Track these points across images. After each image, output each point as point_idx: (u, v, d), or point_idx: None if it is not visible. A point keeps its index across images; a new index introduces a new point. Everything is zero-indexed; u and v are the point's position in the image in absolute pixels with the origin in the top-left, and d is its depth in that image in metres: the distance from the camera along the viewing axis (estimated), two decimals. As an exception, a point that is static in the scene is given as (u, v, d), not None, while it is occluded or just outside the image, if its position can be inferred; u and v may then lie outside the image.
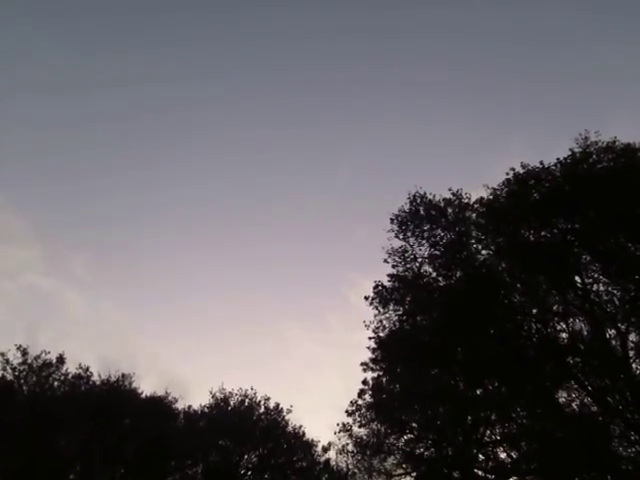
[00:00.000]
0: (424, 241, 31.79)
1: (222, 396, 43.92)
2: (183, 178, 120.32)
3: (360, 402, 38.19)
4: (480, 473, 32.66)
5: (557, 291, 29.41)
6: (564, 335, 29.50)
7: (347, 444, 37.57)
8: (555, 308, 29.85)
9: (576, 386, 28.93)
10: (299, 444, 41.64)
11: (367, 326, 34.19)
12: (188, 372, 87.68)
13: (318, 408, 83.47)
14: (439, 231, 31.51)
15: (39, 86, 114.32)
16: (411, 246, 32.08)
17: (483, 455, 32.72)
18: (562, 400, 29.85)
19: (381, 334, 34.31)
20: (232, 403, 43.24)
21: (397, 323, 33.83)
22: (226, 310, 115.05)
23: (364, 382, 39.31)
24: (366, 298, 33.52)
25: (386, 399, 36.38)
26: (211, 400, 44.31)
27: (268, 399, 42.93)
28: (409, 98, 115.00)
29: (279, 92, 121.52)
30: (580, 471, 26.12)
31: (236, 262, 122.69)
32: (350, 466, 38.50)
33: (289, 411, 42.80)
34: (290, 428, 42.50)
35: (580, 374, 28.02)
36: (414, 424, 36.17)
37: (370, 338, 34.98)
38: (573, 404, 29.47)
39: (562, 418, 27.02)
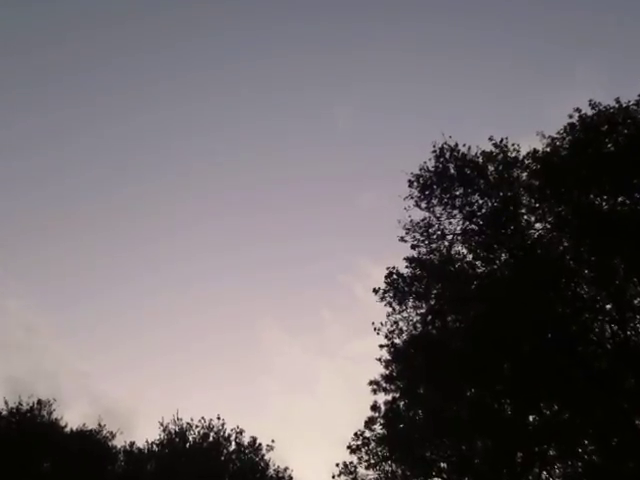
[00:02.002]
0: (456, 211, 31.72)
1: (177, 429, 43.98)
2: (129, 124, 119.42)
3: (368, 434, 38.55)
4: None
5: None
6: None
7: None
8: (636, 302, 30.01)
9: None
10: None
11: (377, 330, 34.35)
12: (130, 397, 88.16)
13: (311, 442, 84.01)
14: (476, 197, 31.43)
15: None
16: (438, 218, 32.02)
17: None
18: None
19: (397, 340, 34.51)
20: (191, 438, 43.33)
21: (419, 325, 34.00)
22: (181, 308, 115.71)
23: (374, 407, 39.73)
24: (375, 291, 33.57)
25: (404, 430, 36.83)
26: (162, 435, 44.39)
27: (241, 432, 43.09)
28: (431, 16, 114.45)
29: (259, 17, 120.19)
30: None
31: (195, 240, 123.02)
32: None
33: (270, 448, 43.01)
34: (272, 471, 42.73)
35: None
36: (443, 464, 36.46)
37: (382, 346, 35.23)
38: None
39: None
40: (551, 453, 33.01)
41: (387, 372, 38.97)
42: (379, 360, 36.84)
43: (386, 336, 34.26)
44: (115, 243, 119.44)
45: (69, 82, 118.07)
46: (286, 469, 43.05)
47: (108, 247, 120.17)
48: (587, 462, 30.51)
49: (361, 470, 37.95)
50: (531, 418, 34.11)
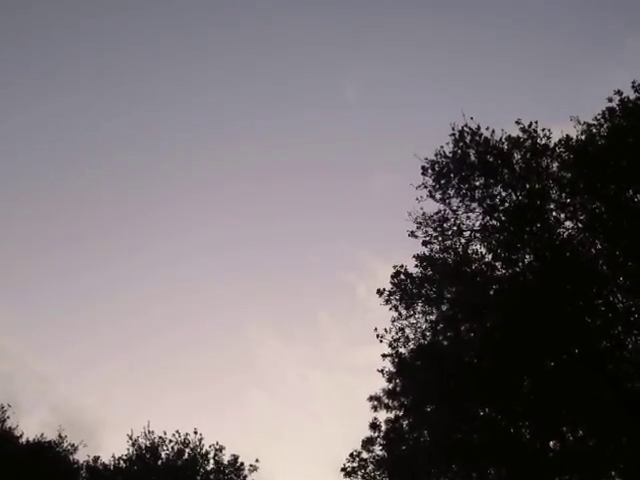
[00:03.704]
0: (475, 204, 31.35)
1: (148, 443, 43.68)
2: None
3: (365, 456, 38.32)
4: None
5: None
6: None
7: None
8: None
9: None
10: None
11: (381, 337, 34.04)
12: (96, 406, 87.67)
13: (302, 463, 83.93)
14: (499, 189, 31.10)
15: None
16: (454, 211, 31.65)
17: None
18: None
19: (402, 350, 34.14)
20: (164, 454, 43.08)
21: (428, 334, 33.68)
22: (158, 306, 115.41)
23: (373, 426, 39.60)
24: (380, 293, 33.26)
25: (407, 453, 36.55)
26: (131, 449, 44.06)
27: (221, 449, 42.80)
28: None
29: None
30: None
31: (177, 232, 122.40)
32: None
33: (254, 468, 42.69)
34: (255, 504, 42.70)
35: None
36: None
37: (385, 356, 34.78)
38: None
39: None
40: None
41: (390, 387, 38.90)
42: (381, 372, 36.55)
43: (390, 344, 33.92)
44: (85, 226, 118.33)
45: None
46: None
47: (75, 231, 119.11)
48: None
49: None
50: (552, 444, 33.78)
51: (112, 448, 55.75)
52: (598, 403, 29.12)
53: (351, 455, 38.28)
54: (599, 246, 30.70)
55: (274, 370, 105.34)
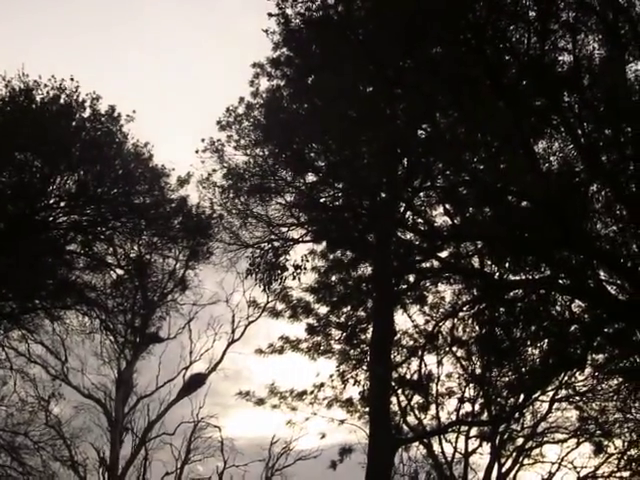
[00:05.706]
0: None
1: (22, 86, 42.13)
2: None
3: (241, 111, 38.82)
4: (405, 237, 35.56)
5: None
6: (566, 58, 29.43)
7: (214, 172, 38.94)
8: (565, 16, 29.83)
9: (563, 134, 30.38)
10: (142, 171, 42.34)
11: None
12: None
13: (182, 124, 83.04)
14: None
15: None
16: None
17: (414, 215, 35.25)
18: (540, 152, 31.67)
19: (290, 11, 33.36)
20: (38, 99, 41.91)
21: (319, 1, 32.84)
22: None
23: (254, 94, 39.51)
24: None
25: (284, 122, 36.69)
26: (4, 91, 42.77)
27: (97, 99, 41.90)
28: None
29: None
30: (542, 247, 29.05)
31: None
32: (216, 206, 40.31)
33: (130, 118, 42.37)
34: (130, 145, 42.57)
35: (574, 119, 29.13)
36: (321, 162, 37.54)
37: (271, 15, 33.79)
38: (552, 158, 31.30)
39: (535, 174, 28.82)
40: (439, 165, 34.59)
41: (274, 55, 38.64)
42: (266, 32, 36.01)
43: (277, 4, 32.81)
44: None
45: None
46: (146, 144, 42.75)
47: None
48: (473, 175, 31.56)
49: (229, 150, 38.51)
50: (423, 132, 34.63)
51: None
52: (474, 89, 29.39)
53: (227, 110, 38.69)
54: None
55: (160, 29, 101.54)
